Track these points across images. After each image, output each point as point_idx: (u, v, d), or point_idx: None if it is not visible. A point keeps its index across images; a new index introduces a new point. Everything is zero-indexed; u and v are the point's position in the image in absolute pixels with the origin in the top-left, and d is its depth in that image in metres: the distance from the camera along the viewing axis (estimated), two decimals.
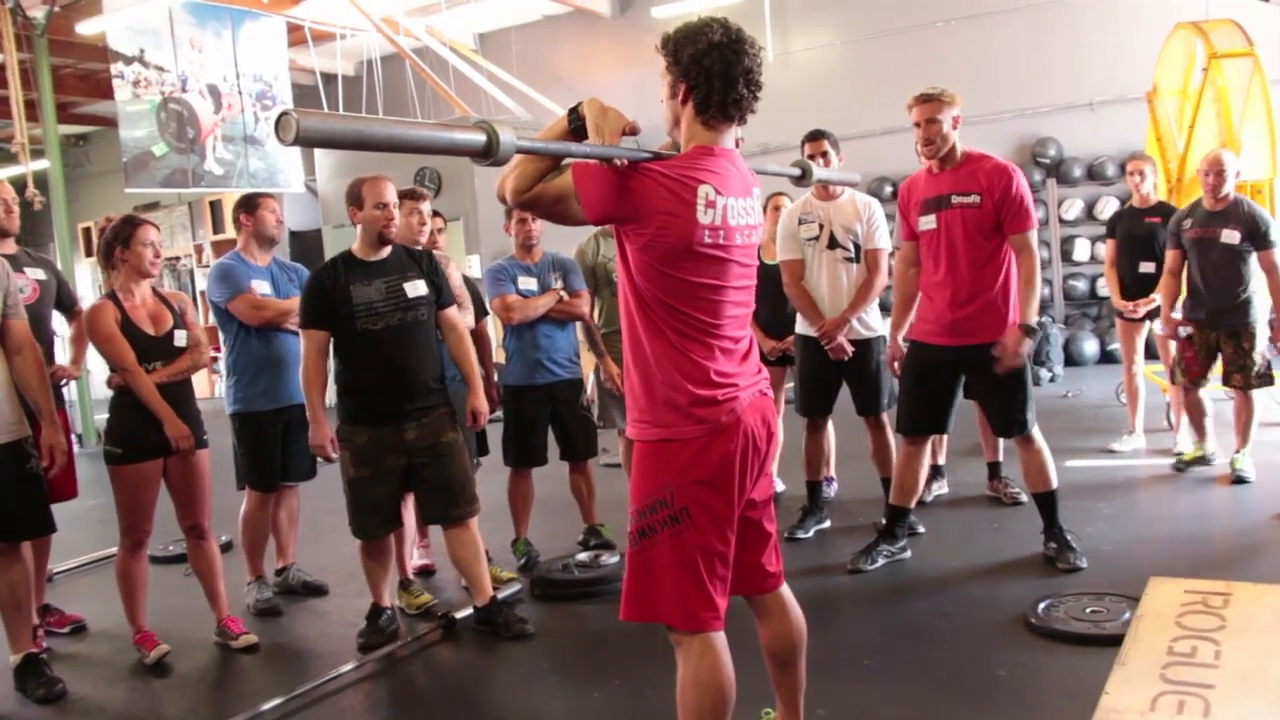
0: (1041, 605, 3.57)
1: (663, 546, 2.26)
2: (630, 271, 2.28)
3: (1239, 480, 5.13)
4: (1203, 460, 5.44)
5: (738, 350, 2.34)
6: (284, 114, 1.70)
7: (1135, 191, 5.88)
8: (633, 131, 2.22)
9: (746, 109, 2.27)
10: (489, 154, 1.97)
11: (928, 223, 4.05)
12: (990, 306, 3.99)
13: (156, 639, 3.95)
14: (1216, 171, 5.05)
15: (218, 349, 10.16)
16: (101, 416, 10.71)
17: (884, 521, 4.39)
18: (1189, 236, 5.17)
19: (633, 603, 2.32)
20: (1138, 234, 5.80)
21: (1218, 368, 5.23)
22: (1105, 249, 6.07)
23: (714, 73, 2.21)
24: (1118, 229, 5.96)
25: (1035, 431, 4.11)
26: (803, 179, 3.09)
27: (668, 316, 2.25)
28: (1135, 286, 5.80)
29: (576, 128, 2.22)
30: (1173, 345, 5.48)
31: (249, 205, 4.48)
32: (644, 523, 2.28)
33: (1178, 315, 5.30)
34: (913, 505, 4.35)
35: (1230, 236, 5.01)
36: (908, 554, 4.36)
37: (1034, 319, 3.96)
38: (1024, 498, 4.87)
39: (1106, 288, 9.83)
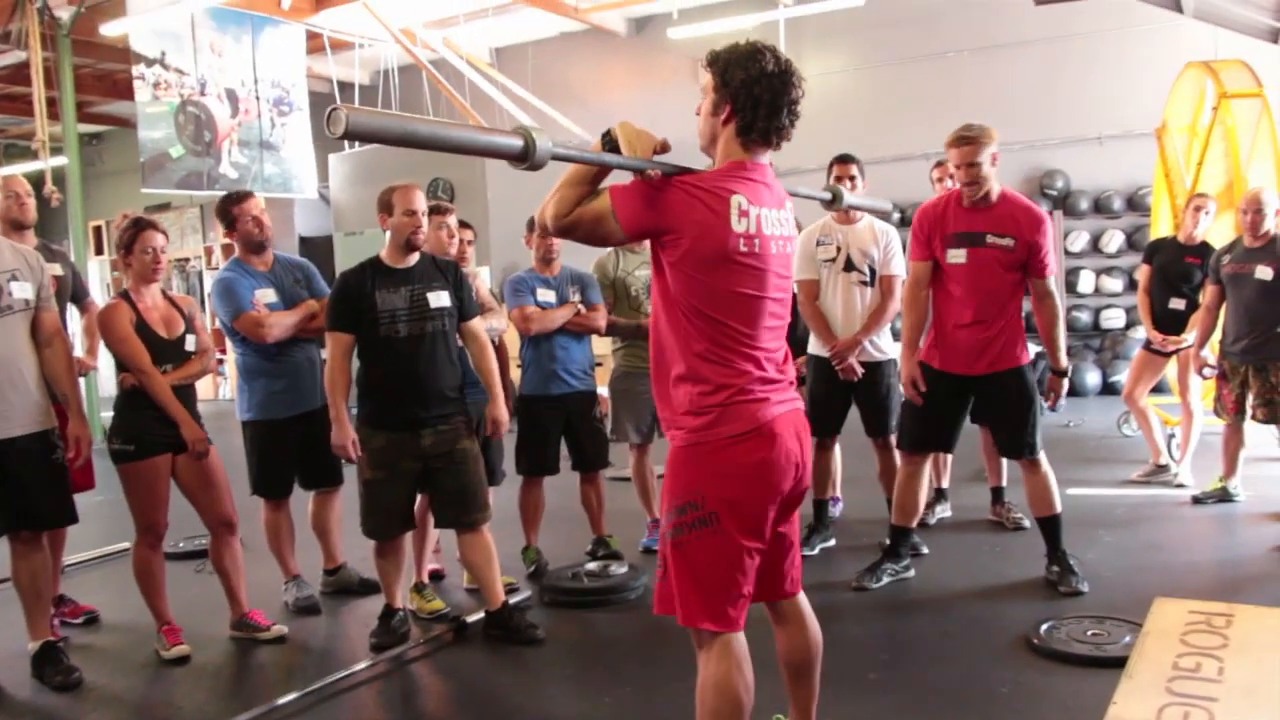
0: (1043, 626, 3.64)
1: (690, 546, 2.32)
2: (668, 286, 2.34)
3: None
4: (1226, 495, 5.40)
5: (773, 362, 2.40)
6: (334, 109, 1.79)
7: (1189, 224, 5.76)
8: (664, 149, 2.30)
9: (785, 136, 2.36)
10: (526, 158, 2.07)
11: (957, 256, 4.10)
12: (1009, 339, 4.12)
13: (181, 636, 3.98)
14: (1256, 210, 5.09)
15: (223, 350, 10.03)
16: (108, 414, 10.81)
17: (888, 541, 4.45)
18: (1226, 272, 5.21)
19: (663, 599, 2.39)
20: (1174, 270, 5.80)
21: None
22: (1139, 274, 6.04)
23: (762, 100, 2.28)
24: (1155, 259, 5.93)
25: (1042, 455, 4.18)
26: (833, 203, 3.17)
27: (706, 327, 2.30)
28: (1164, 321, 5.82)
29: (611, 150, 2.30)
30: (1198, 380, 5.58)
31: (226, 219, 4.34)
32: (675, 522, 2.34)
33: (1207, 354, 5.36)
34: (914, 525, 4.43)
35: (1264, 273, 5.04)
36: (911, 573, 4.43)
37: (1065, 362, 4.16)
38: (1026, 523, 4.93)
39: (1113, 319, 9.99)
